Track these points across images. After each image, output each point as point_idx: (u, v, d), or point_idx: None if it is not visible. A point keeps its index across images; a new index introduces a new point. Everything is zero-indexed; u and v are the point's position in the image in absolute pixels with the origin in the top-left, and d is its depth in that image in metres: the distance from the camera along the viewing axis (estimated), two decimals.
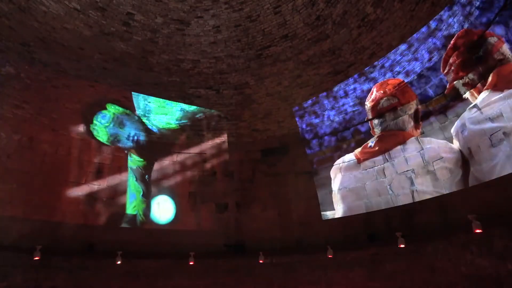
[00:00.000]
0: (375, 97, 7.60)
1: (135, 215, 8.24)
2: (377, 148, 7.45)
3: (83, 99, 8.07)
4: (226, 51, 8.17)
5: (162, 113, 9.04)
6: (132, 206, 8.27)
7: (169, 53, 8.14)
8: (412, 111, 6.99)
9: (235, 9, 7.38)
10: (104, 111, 8.35)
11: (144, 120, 8.89)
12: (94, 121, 8.20)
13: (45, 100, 7.59)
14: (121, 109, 8.60)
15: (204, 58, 8.31)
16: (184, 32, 7.83)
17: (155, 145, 8.87)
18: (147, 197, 8.51)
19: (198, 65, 8.43)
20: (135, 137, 8.66)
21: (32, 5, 6.56)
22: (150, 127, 8.92)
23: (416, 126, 6.91)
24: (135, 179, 8.47)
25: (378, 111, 7.53)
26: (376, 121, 7.57)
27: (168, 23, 7.61)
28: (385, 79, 7.47)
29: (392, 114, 7.29)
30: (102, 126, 8.26)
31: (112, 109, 8.45)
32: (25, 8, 6.55)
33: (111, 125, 8.36)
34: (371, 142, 7.60)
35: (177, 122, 9.18)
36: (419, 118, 6.85)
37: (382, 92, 7.48)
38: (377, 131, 7.56)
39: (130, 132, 8.62)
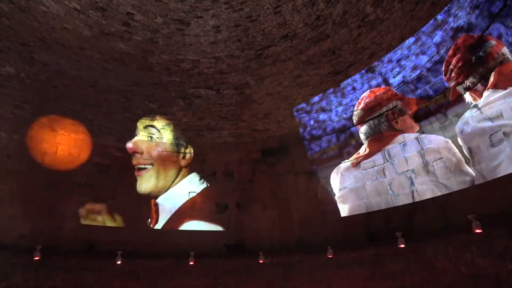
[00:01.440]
0: (355, 110, 8.05)
1: None
2: (366, 152, 7.64)
3: (83, 99, 8.06)
4: (226, 51, 8.17)
5: None
6: None
7: (169, 53, 8.14)
8: (385, 113, 7.36)
9: (235, 9, 7.37)
10: None
11: None
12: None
13: (45, 100, 7.60)
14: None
15: (204, 58, 8.31)
16: (184, 32, 7.83)
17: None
18: None
19: (198, 65, 8.42)
20: None
21: (32, 5, 6.55)
22: None
23: (392, 126, 7.23)
24: None
25: (358, 122, 7.92)
26: (361, 132, 7.83)
27: (168, 23, 7.60)
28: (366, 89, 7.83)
29: (368, 122, 7.66)
30: None
31: None
32: (25, 8, 6.55)
33: None
34: (362, 150, 7.81)
35: None
36: (396, 116, 7.21)
37: (356, 105, 7.94)
38: (364, 139, 7.81)
39: None
